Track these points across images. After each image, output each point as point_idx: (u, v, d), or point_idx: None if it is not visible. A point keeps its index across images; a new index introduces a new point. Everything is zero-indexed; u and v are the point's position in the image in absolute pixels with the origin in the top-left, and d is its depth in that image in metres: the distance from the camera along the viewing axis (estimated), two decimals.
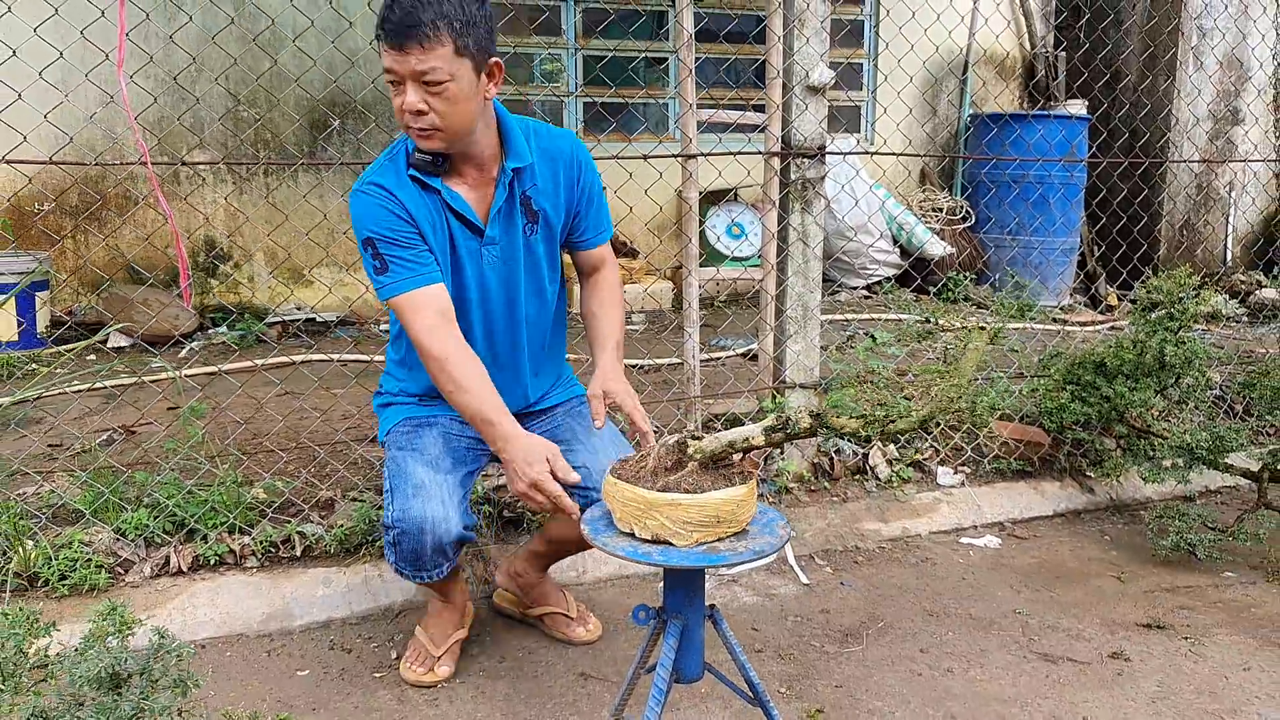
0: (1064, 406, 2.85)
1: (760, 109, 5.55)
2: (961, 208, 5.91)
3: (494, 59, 1.71)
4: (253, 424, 2.91)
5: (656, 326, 4.83)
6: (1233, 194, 5.99)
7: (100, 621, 1.34)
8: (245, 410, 2.99)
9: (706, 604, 1.53)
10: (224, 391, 3.13)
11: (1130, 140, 5.71)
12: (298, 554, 2.36)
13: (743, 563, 1.41)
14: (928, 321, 4.61)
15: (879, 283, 5.76)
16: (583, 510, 1.95)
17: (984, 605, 2.39)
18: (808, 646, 2.19)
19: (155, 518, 2.31)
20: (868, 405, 1.48)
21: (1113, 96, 5.93)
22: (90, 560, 2.20)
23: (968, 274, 5.69)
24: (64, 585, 2.15)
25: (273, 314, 4.86)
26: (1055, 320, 5.14)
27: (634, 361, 3.98)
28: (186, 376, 3.32)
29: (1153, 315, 2.77)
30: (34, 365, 3.69)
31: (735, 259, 5.60)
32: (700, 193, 2.98)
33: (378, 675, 2.05)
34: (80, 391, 3.33)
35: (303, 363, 3.77)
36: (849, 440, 3.00)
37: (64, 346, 4.05)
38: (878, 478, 2.96)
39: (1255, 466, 2.77)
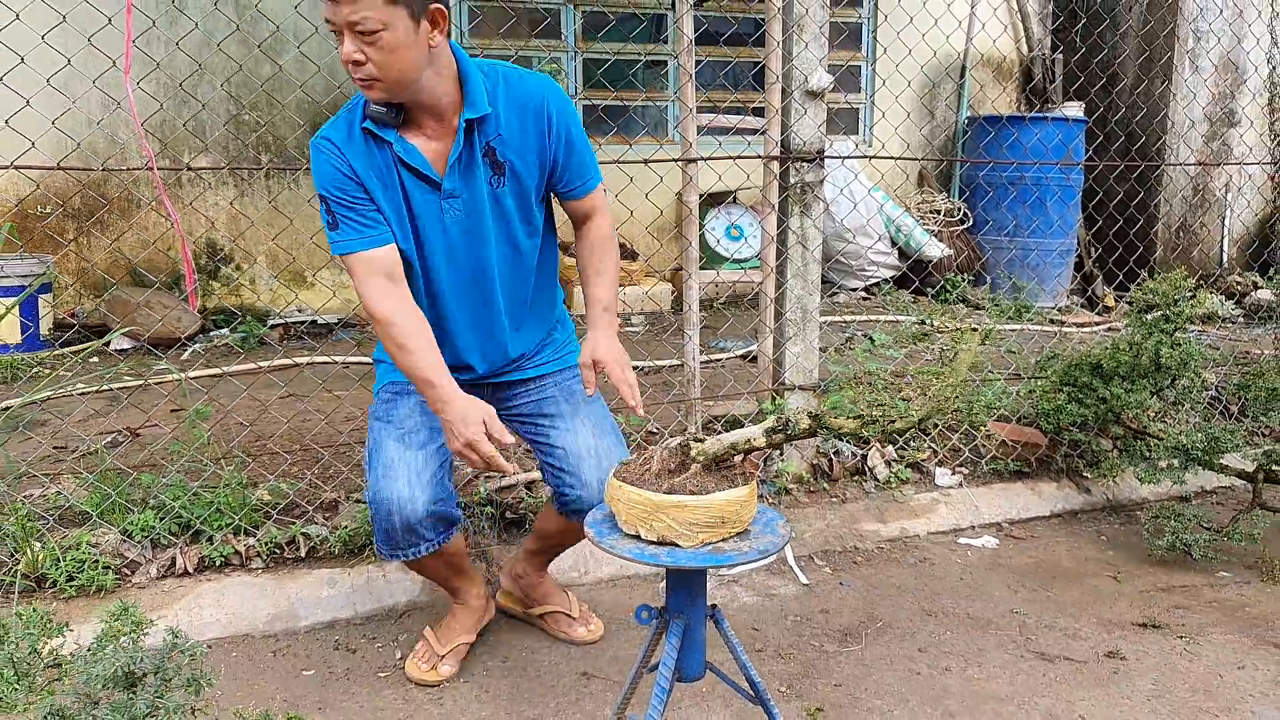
0: (1061, 408, 2.87)
1: (759, 112, 5.59)
2: (959, 210, 5.94)
3: (435, 5, 1.65)
4: (257, 426, 2.94)
5: (657, 328, 4.85)
6: (1228, 196, 6.02)
7: (113, 622, 1.36)
8: (249, 412, 3.01)
9: (708, 604, 1.55)
10: (227, 394, 3.15)
11: (1127, 143, 5.74)
12: (302, 555, 2.39)
13: (748, 562, 1.43)
14: (923, 323, 4.63)
15: (877, 284, 5.79)
16: (555, 493, 1.97)
17: (982, 605, 2.42)
18: (807, 646, 2.21)
19: (161, 519, 2.34)
20: (865, 406, 1.51)
21: (1109, 99, 5.97)
22: (97, 562, 2.22)
23: (966, 276, 5.72)
24: (71, 586, 2.18)
25: (275, 316, 4.89)
26: (1052, 321, 5.17)
27: (635, 363, 4.00)
28: (191, 379, 3.34)
29: (1148, 317, 2.80)
30: (37, 368, 3.71)
31: (734, 261, 5.63)
32: (700, 196, 3.00)
33: (382, 675, 2.07)
34: (85, 394, 3.35)
35: (306, 365, 3.79)
36: (847, 441, 3.02)
37: (69, 349, 4.07)
38: (876, 479, 2.98)
39: (1250, 467, 2.79)
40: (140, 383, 3.52)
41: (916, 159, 3.47)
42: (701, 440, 1.49)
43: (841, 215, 5.43)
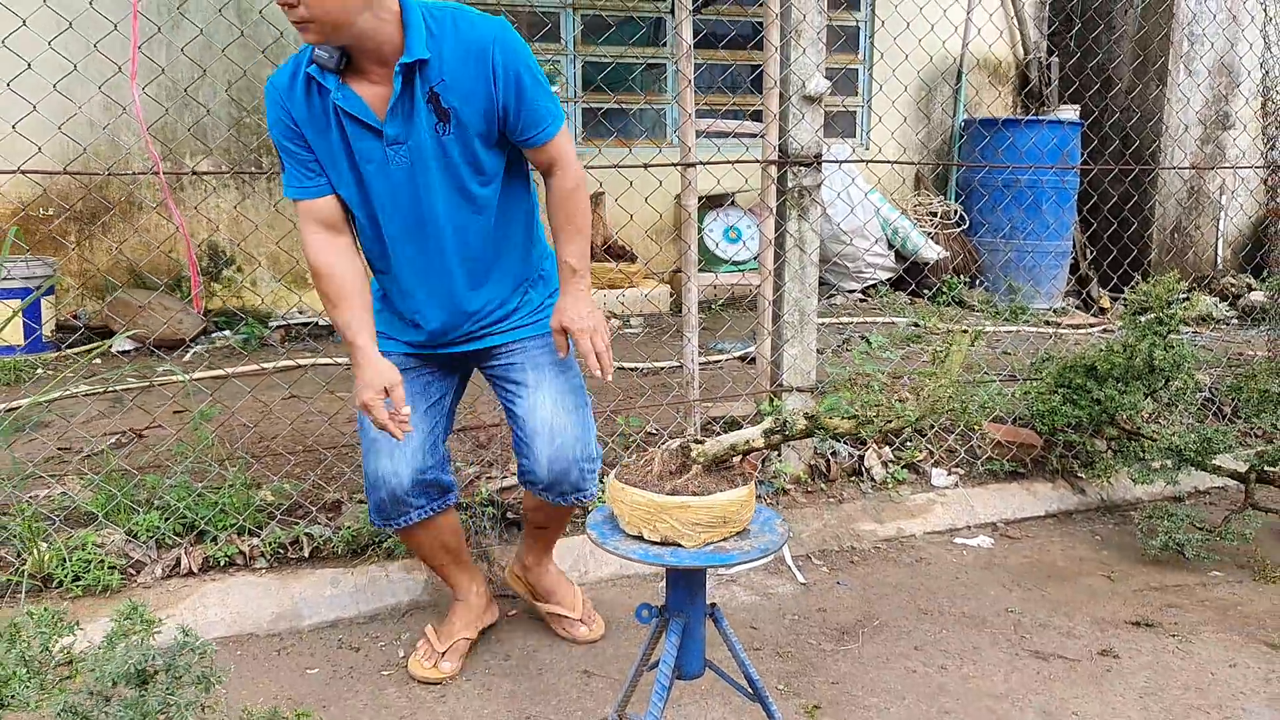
0: (1056, 409, 2.90)
1: (757, 116, 5.62)
2: (955, 212, 5.98)
3: None
4: (260, 427, 2.96)
5: (655, 330, 4.88)
6: (1223, 199, 6.06)
7: (123, 620, 1.39)
8: (252, 414, 3.03)
9: (707, 603, 1.58)
10: (230, 395, 3.18)
11: (1122, 146, 5.78)
12: (306, 555, 2.41)
13: (750, 560, 1.46)
14: (917, 325, 4.67)
15: (874, 286, 5.83)
16: (521, 469, 1.95)
17: (977, 604, 2.45)
18: (805, 644, 2.24)
19: (166, 520, 2.36)
20: (861, 407, 1.53)
21: (1104, 103, 6.01)
22: (103, 562, 2.24)
23: (962, 277, 5.76)
24: (78, 586, 2.20)
25: (276, 318, 4.91)
26: (1048, 323, 5.21)
27: (634, 365, 4.03)
28: (194, 380, 3.36)
29: (1142, 320, 2.83)
30: (41, 369, 3.73)
31: (732, 263, 5.66)
32: (700, 199, 3.03)
33: (385, 673, 2.10)
34: (90, 395, 3.37)
35: (310, 367, 3.82)
36: (844, 442, 3.05)
37: (72, 350, 4.09)
38: (873, 479, 3.01)
39: (1243, 468, 2.82)
40: (145, 384, 3.54)
41: (913, 163, 3.50)
42: (701, 442, 1.52)
43: (839, 218, 5.46)
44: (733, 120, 5.73)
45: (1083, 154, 5.85)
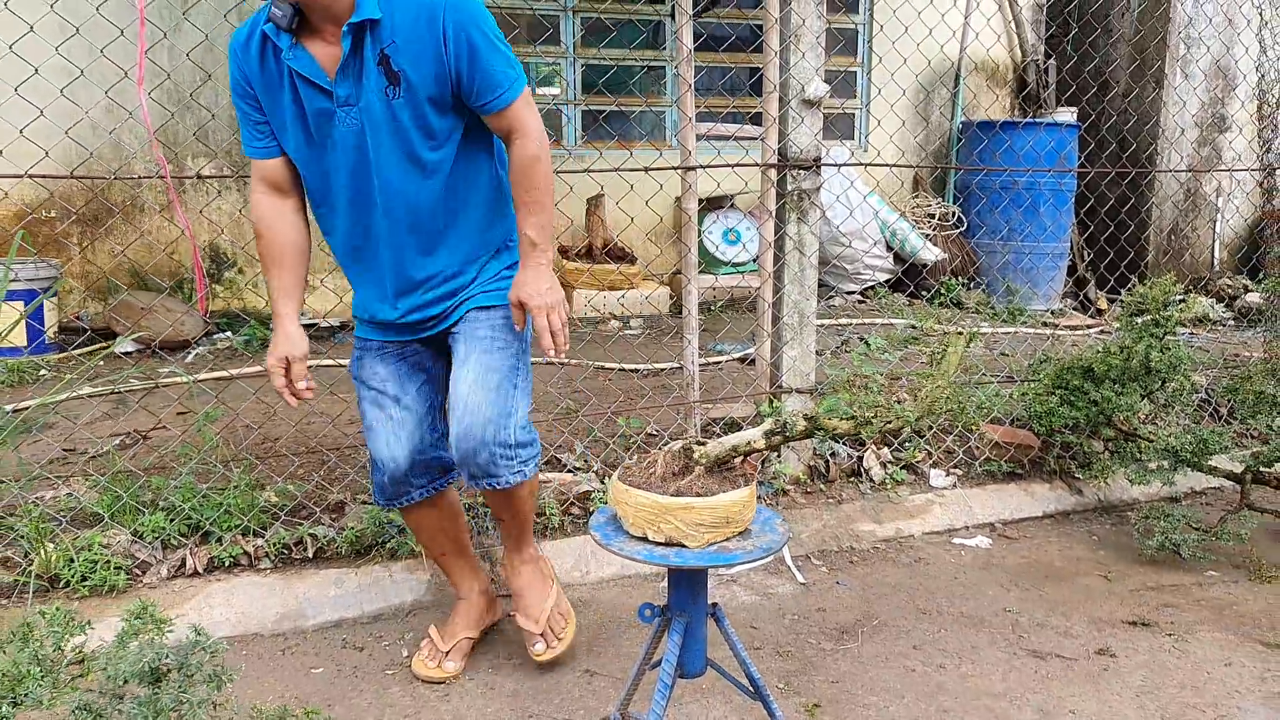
0: (1053, 410, 2.93)
1: (757, 120, 5.64)
2: (953, 214, 6.00)
3: None
4: (264, 429, 2.98)
5: (655, 331, 4.90)
6: (1219, 201, 6.09)
7: (133, 620, 1.41)
8: (256, 415, 3.05)
9: (709, 602, 1.60)
10: (233, 396, 3.20)
11: (1119, 148, 5.81)
12: (310, 555, 2.43)
13: (754, 559, 1.48)
14: (914, 327, 4.70)
15: (873, 288, 5.85)
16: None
17: (975, 604, 2.47)
18: (805, 644, 2.26)
19: (171, 520, 2.38)
20: (860, 408, 1.56)
21: (1101, 105, 6.04)
22: (109, 562, 2.26)
23: (960, 279, 5.78)
24: (84, 586, 2.22)
25: None
26: (1045, 324, 5.23)
27: (635, 366, 4.05)
28: (198, 381, 3.38)
29: (1139, 321, 2.85)
30: (44, 370, 3.75)
31: (732, 265, 5.68)
32: (700, 202, 3.05)
33: (389, 672, 2.11)
34: (95, 396, 3.39)
35: (313, 368, 3.83)
36: (843, 442, 3.08)
37: (76, 351, 4.11)
38: (872, 480, 3.04)
39: (1238, 468, 2.85)
40: (150, 385, 3.56)
41: (912, 166, 3.53)
42: (703, 443, 1.54)
43: (837, 220, 5.49)
44: (732, 125, 5.76)
45: (1080, 156, 5.88)
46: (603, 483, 2.76)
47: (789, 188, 2.91)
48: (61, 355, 4.13)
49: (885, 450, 3.12)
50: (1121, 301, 3.08)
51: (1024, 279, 5.69)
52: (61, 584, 2.23)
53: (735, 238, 5.71)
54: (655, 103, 6.09)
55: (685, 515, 1.44)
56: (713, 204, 5.60)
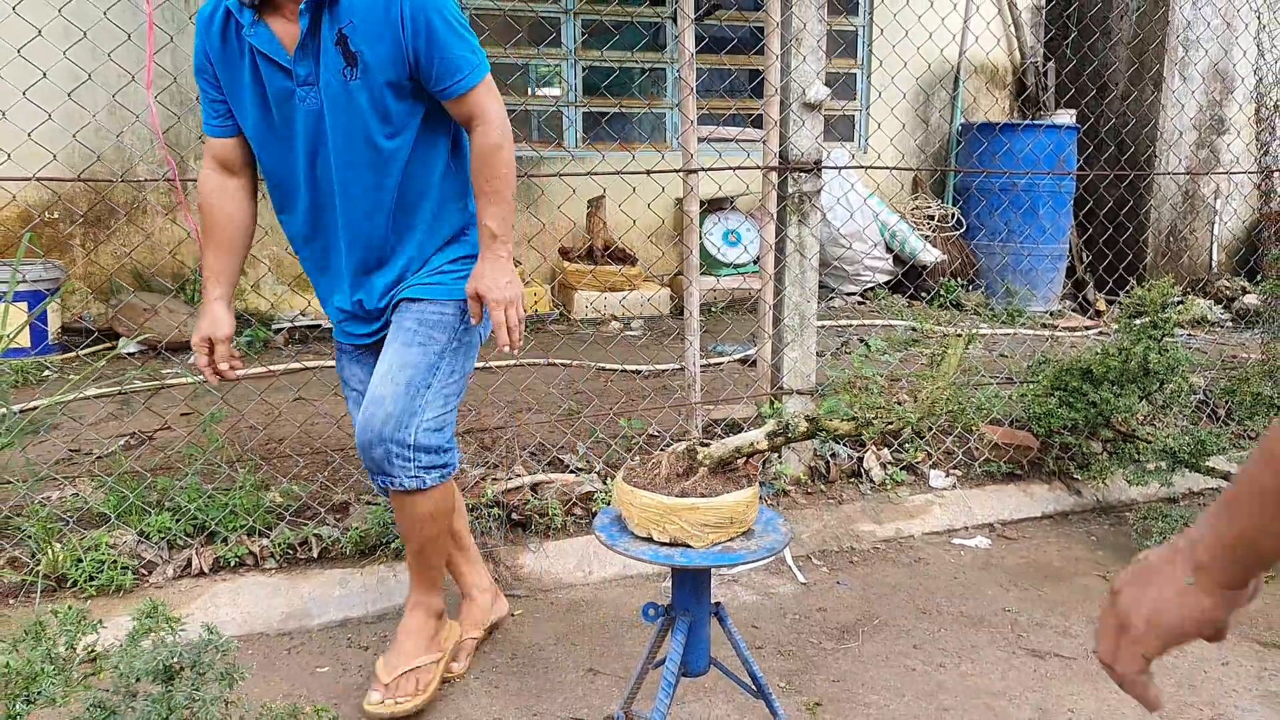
0: (1052, 411, 2.95)
1: (758, 122, 5.66)
2: (953, 216, 6.03)
3: None
4: (268, 429, 3.00)
5: (657, 333, 4.92)
6: (1217, 203, 6.12)
7: (144, 619, 1.43)
8: (260, 416, 3.07)
9: (712, 602, 1.62)
10: (238, 398, 3.21)
11: (1117, 150, 5.83)
12: (315, 555, 2.45)
13: (758, 559, 1.50)
14: (914, 329, 4.72)
15: (873, 289, 5.87)
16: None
17: (974, 603, 2.49)
18: (806, 643, 2.28)
19: (177, 521, 2.40)
20: (860, 409, 1.58)
21: (1100, 108, 6.06)
22: (116, 562, 2.28)
23: (960, 281, 5.81)
24: (91, 586, 2.24)
25: (279, 320, 4.95)
26: (1044, 326, 5.25)
27: (636, 368, 4.07)
28: (204, 382, 3.40)
29: (1137, 323, 2.87)
30: (49, 371, 3.77)
31: (733, 266, 5.70)
32: (701, 204, 3.07)
33: None
34: (101, 397, 3.41)
35: (317, 369, 3.85)
36: (844, 443, 3.10)
37: (82, 352, 4.13)
38: (872, 481, 3.06)
39: (1236, 469, 2.86)
40: (157, 385, 3.58)
41: (912, 168, 3.55)
42: (707, 444, 1.56)
43: (838, 222, 5.51)
44: (734, 127, 5.78)
45: (1079, 159, 5.91)
46: (605, 483, 2.77)
47: (790, 190, 2.93)
48: (66, 356, 4.15)
49: (885, 451, 3.14)
50: (1120, 303, 3.10)
51: (1023, 281, 5.72)
52: (69, 584, 2.25)
53: (736, 240, 5.73)
54: (657, 105, 6.11)
55: (691, 516, 1.46)
56: (714, 206, 5.63)
